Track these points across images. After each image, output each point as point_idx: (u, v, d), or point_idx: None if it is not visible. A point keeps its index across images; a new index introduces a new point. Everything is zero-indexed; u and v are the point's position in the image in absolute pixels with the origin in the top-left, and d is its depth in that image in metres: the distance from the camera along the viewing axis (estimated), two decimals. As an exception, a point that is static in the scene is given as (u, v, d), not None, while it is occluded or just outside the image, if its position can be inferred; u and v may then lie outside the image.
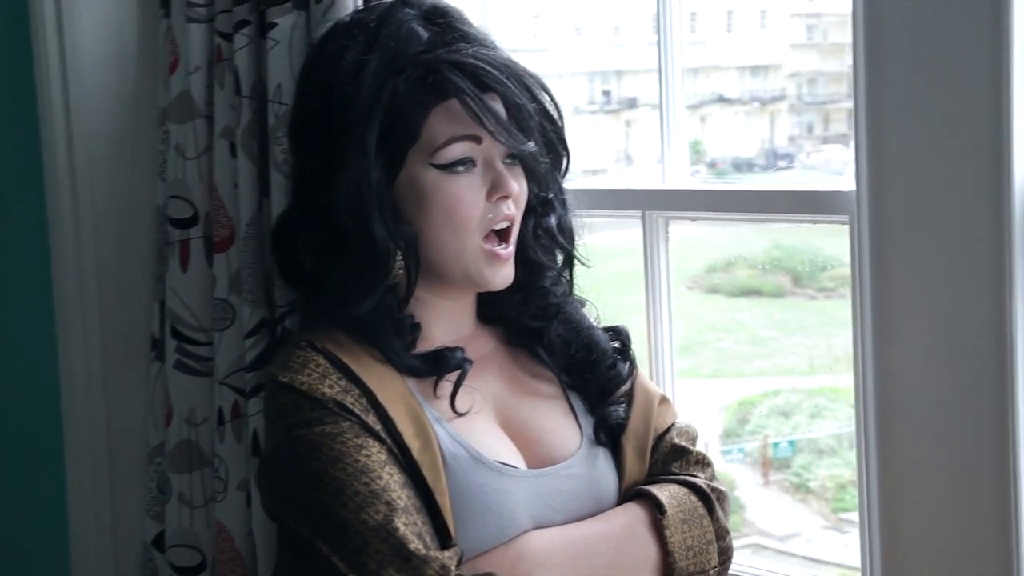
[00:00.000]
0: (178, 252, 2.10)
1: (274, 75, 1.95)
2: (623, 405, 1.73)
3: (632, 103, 5.24)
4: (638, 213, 1.98)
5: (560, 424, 1.70)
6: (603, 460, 1.70)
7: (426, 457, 1.56)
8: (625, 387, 1.74)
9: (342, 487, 1.52)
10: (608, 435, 1.72)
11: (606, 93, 5.26)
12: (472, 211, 1.62)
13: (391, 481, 1.53)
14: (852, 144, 1.67)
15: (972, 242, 1.60)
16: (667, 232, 1.98)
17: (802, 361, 6.15)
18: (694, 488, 1.68)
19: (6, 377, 2.45)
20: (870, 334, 1.70)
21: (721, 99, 5.57)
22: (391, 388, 1.60)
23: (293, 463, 1.57)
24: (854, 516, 1.80)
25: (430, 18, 1.67)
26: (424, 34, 1.64)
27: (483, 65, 1.61)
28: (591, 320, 1.78)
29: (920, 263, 1.65)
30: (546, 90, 1.71)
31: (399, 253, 1.62)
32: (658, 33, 1.98)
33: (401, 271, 1.63)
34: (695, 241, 2.98)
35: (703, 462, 1.74)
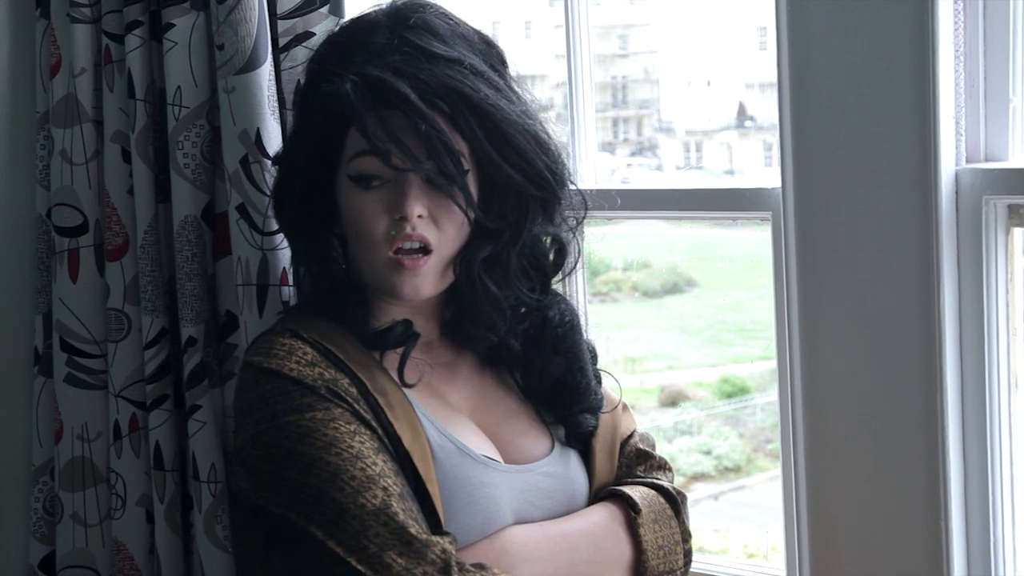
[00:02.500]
0: (67, 261, 2.02)
1: (173, 77, 1.90)
2: (591, 414, 1.75)
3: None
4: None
5: (531, 427, 1.72)
6: (574, 461, 1.72)
7: (416, 447, 1.56)
8: (592, 401, 1.76)
9: (338, 472, 1.50)
10: (578, 439, 1.74)
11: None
12: (375, 225, 1.59)
13: (385, 468, 1.52)
14: (777, 139, 1.72)
15: (899, 235, 1.67)
16: (582, 231, 1.99)
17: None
18: (661, 490, 1.72)
19: None
20: (796, 331, 1.75)
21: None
22: (380, 379, 1.60)
23: (283, 449, 1.53)
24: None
25: (398, 23, 1.62)
26: (377, 42, 1.60)
27: (393, 80, 1.56)
28: (589, 367, 1.76)
29: (846, 257, 1.71)
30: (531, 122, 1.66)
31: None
32: (569, 44, 2.01)
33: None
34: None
35: (665, 467, 1.78)
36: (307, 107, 1.67)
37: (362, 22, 1.66)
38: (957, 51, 1.65)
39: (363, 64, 1.59)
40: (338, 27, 1.75)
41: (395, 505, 1.49)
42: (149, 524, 2.02)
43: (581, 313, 1.98)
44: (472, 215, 1.60)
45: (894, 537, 1.72)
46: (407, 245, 1.59)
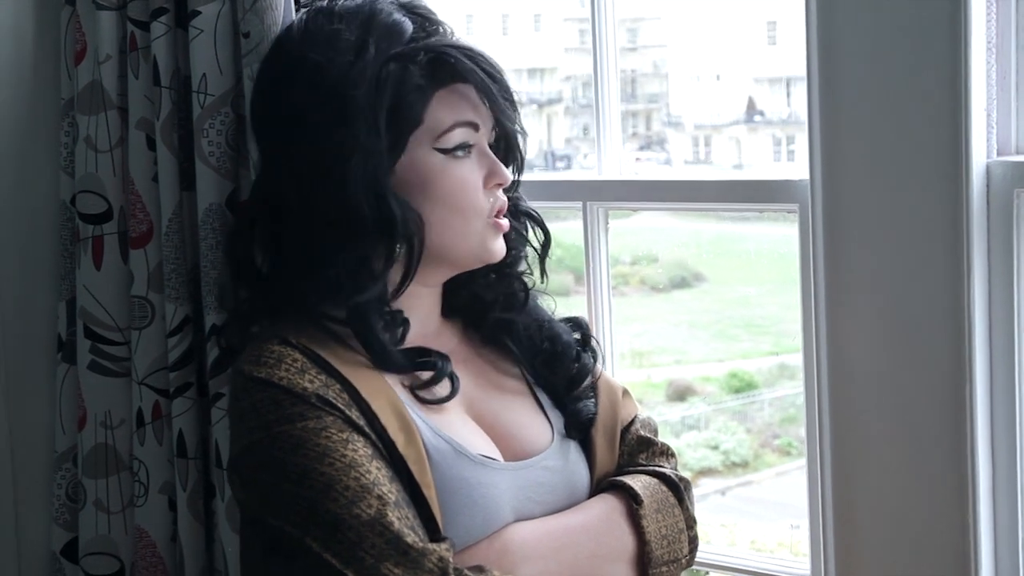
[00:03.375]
0: (91, 249, 2.02)
1: (198, 65, 1.90)
2: (592, 399, 1.74)
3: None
4: (579, 204, 2.00)
5: (530, 419, 1.71)
6: (575, 453, 1.71)
7: (411, 451, 1.54)
8: (591, 379, 1.75)
9: (331, 482, 1.49)
10: (577, 429, 1.73)
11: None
12: (476, 194, 1.64)
13: (380, 475, 1.50)
14: (807, 131, 1.72)
15: (929, 228, 1.66)
16: (607, 223, 2.00)
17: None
18: (664, 478, 1.71)
19: None
20: (824, 323, 1.75)
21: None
22: (372, 382, 1.58)
23: (276, 461, 1.52)
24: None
25: (409, 9, 1.68)
26: (410, 23, 1.65)
27: (477, 51, 1.65)
28: (549, 313, 1.79)
29: (874, 251, 1.70)
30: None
31: (403, 240, 1.60)
32: (594, 36, 2.01)
33: (399, 259, 1.61)
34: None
35: (667, 452, 1.76)
36: (375, 89, 1.58)
37: (374, 6, 1.65)
38: (989, 43, 1.65)
39: (432, 40, 1.63)
40: (321, 12, 1.67)
41: (391, 514, 1.48)
42: (172, 511, 2.02)
43: (605, 306, 2.00)
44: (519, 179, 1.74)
45: (921, 532, 1.72)
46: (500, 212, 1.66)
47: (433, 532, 1.52)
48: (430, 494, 1.53)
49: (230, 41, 1.90)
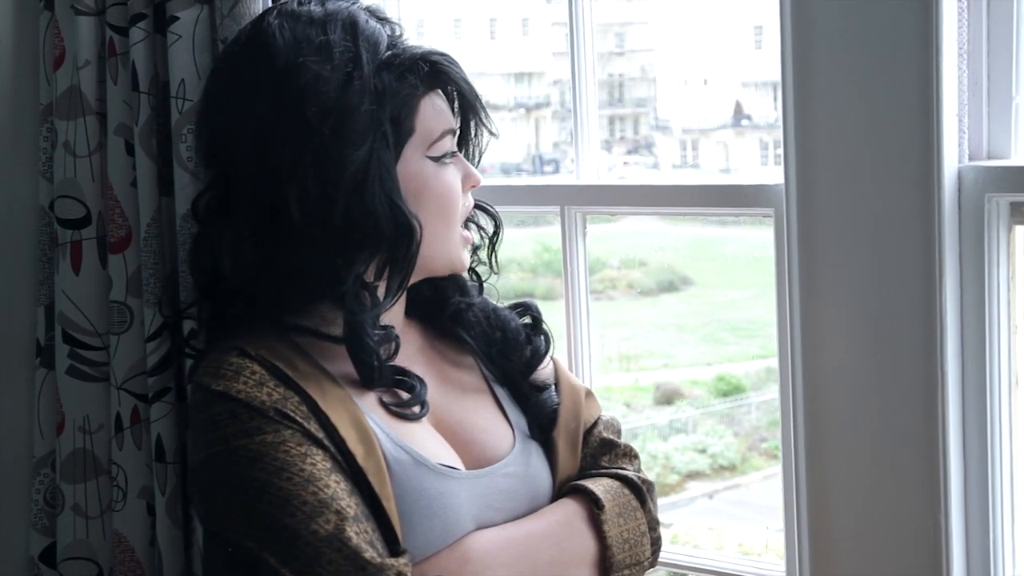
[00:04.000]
0: (69, 254, 2.02)
1: (176, 71, 1.90)
2: (551, 389, 1.74)
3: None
4: (556, 208, 2.00)
5: (492, 422, 1.70)
6: (536, 456, 1.70)
7: (370, 463, 1.53)
8: (546, 363, 1.76)
9: (289, 497, 1.48)
10: (540, 427, 1.72)
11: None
12: (459, 201, 1.67)
13: (338, 489, 1.49)
14: (781, 136, 1.73)
15: (901, 232, 1.67)
16: (585, 228, 2.01)
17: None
18: (626, 481, 1.71)
19: None
20: (798, 326, 1.75)
21: (487, 104, 5.67)
22: (331, 394, 1.56)
23: (234, 475, 1.51)
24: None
25: (374, 14, 1.68)
26: (384, 31, 1.65)
27: (450, 57, 1.67)
28: (495, 304, 1.80)
29: (848, 254, 1.71)
30: None
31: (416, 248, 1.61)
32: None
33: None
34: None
35: (631, 454, 1.76)
36: (378, 98, 1.58)
37: (352, 15, 1.63)
38: (961, 49, 1.65)
39: (414, 48, 1.65)
40: (300, 21, 1.62)
41: (348, 529, 1.47)
42: (150, 516, 2.02)
43: (583, 310, 2.00)
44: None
45: (894, 535, 1.73)
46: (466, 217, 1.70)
47: (392, 544, 1.51)
48: (389, 506, 1.52)
49: (208, 47, 1.91)
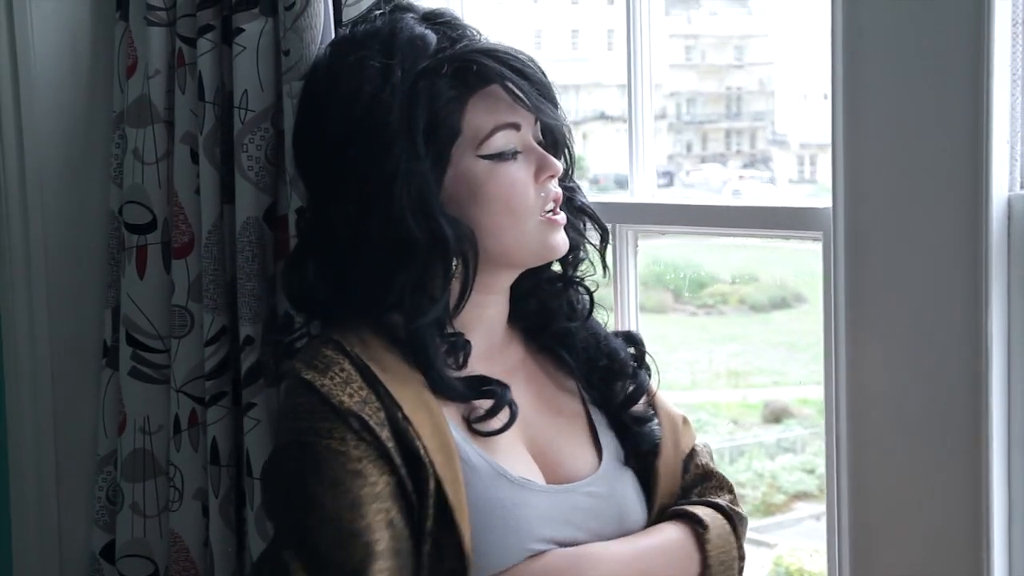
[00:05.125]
0: (135, 258, 2.07)
1: (240, 81, 1.93)
2: (655, 423, 1.73)
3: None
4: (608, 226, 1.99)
5: (580, 445, 1.70)
6: (628, 482, 1.70)
7: (448, 471, 1.54)
8: (646, 397, 1.75)
9: (328, 518, 1.50)
10: (637, 456, 1.72)
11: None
12: (527, 193, 1.64)
13: (375, 521, 1.50)
14: (830, 160, 1.70)
15: (949, 260, 1.63)
16: (636, 246, 2.00)
17: (684, 376, 6.21)
18: (720, 509, 1.71)
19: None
20: (843, 351, 1.73)
21: (603, 116, 5.62)
22: (417, 398, 1.58)
23: (295, 474, 1.55)
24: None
25: (431, 19, 1.69)
26: (433, 35, 1.65)
27: (503, 50, 1.65)
28: (605, 328, 1.79)
29: (895, 280, 1.68)
30: (539, 66, 1.72)
31: (459, 256, 1.60)
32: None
33: (456, 275, 1.62)
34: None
35: (726, 486, 1.77)
36: (409, 110, 1.59)
37: (396, 26, 1.65)
38: (1015, 75, 1.61)
39: (456, 48, 1.63)
40: (345, 40, 1.70)
41: (372, 566, 1.49)
42: (204, 517, 2.06)
43: (633, 320, 1.99)
44: (573, 172, 1.76)
45: (936, 562, 1.69)
46: (551, 206, 1.67)
47: (458, 558, 1.52)
48: (461, 517, 1.52)
49: (272, 58, 1.94)
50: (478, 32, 1.71)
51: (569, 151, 1.76)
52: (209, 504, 2.03)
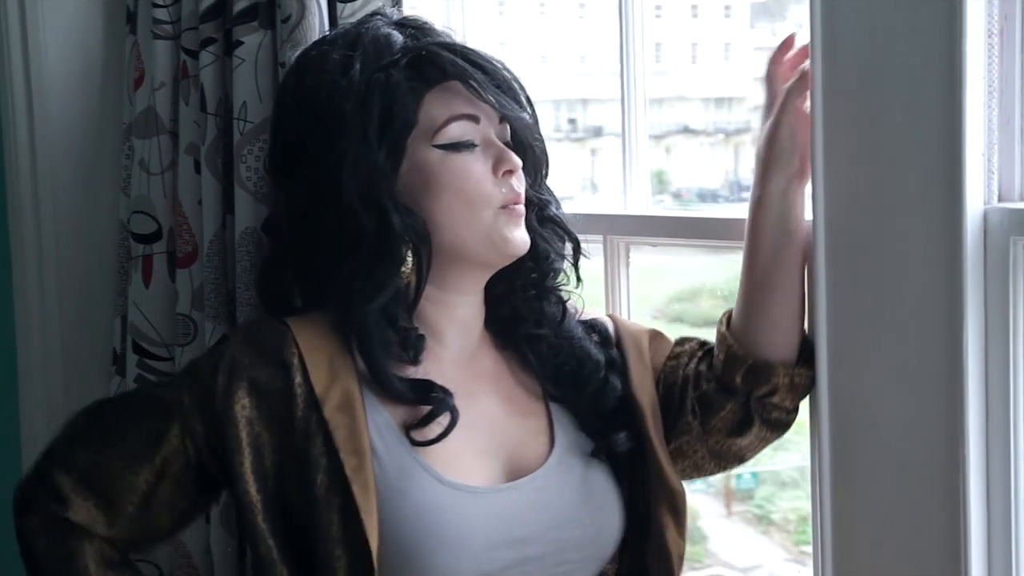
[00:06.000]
0: (141, 267, 2.11)
1: (240, 93, 1.96)
2: (622, 433, 1.70)
3: (598, 131, 5.25)
4: (599, 238, 2.00)
5: (540, 444, 1.69)
6: (582, 471, 1.68)
7: (358, 477, 1.55)
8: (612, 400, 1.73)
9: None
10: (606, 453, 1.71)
11: (572, 121, 5.27)
12: (483, 184, 1.62)
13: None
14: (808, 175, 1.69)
15: (924, 273, 1.61)
16: (628, 258, 1.99)
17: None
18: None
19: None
20: (825, 367, 1.71)
21: (686, 130, 5.58)
22: (346, 399, 1.58)
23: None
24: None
25: (403, 25, 1.70)
26: (401, 37, 1.66)
27: (465, 47, 1.66)
28: (581, 331, 1.76)
29: (875, 296, 1.67)
30: (519, 80, 1.72)
31: (410, 246, 1.60)
32: (622, 63, 2.00)
33: (410, 269, 1.62)
34: (660, 270, 3.00)
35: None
36: (363, 100, 1.61)
37: (363, 25, 1.69)
38: (990, 87, 1.59)
39: (420, 42, 1.65)
40: (315, 42, 1.74)
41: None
42: (206, 524, 2.08)
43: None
44: (547, 173, 1.74)
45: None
46: (512, 197, 1.64)
47: (365, 556, 1.53)
48: (370, 522, 1.53)
49: (270, 70, 1.96)
50: (451, 35, 1.72)
51: (538, 154, 1.72)
52: (209, 511, 2.05)
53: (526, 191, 1.67)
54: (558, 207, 1.75)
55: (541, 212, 1.72)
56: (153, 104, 2.09)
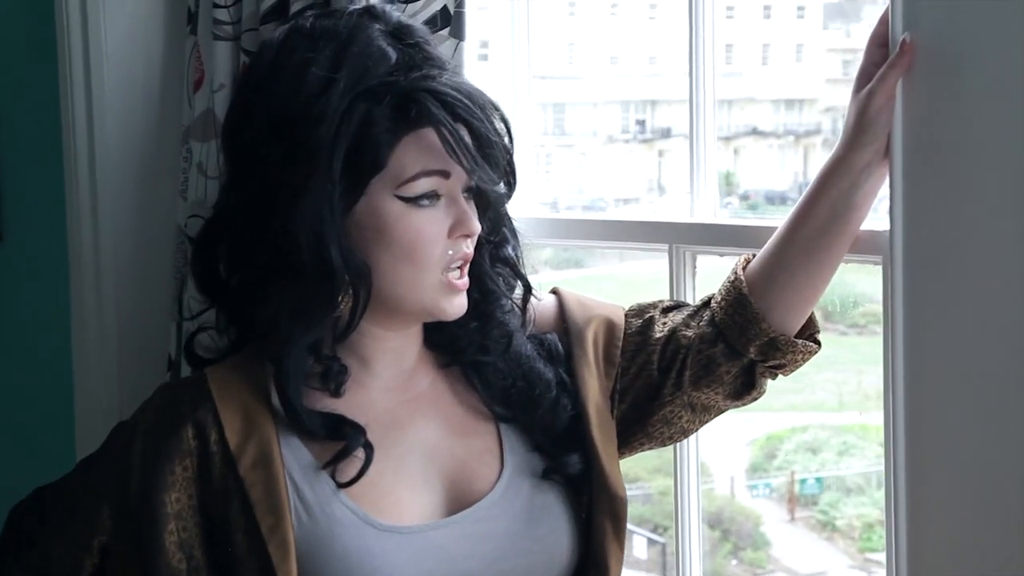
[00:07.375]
0: (197, 272, 2.08)
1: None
2: (576, 454, 1.64)
3: (666, 133, 5.19)
4: (665, 247, 1.94)
5: (488, 465, 1.62)
6: (530, 493, 1.61)
7: (274, 538, 1.50)
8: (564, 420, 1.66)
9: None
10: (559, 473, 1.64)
11: (640, 122, 5.22)
12: (434, 247, 1.54)
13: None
14: (888, 182, 1.63)
15: (1006, 284, 1.56)
16: (694, 266, 1.94)
17: (831, 397, 6.09)
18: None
19: (22, 394, 2.43)
20: (901, 374, 1.66)
21: (755, 132, 5.53)
22: (262, 448, 1.54)
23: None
24: (881, 557, 1.75)
25: (399, 36, 1.58)
26: (393, 54, 1.54)
27: (457, 94, 1.53)
28: (531, 350, 1.67)
29: (954, 304, 1.61)
30: (503, 117, 1.62)
31: (348, 288, 1.53)
32: (691, 64, 1.93)
33: (346, 305, 1.54)
34: (723, 274, 2.93)
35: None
36: (335, 131, 1.50)
37: (355, 35, 1.55)
38: (1080, 92, 1.53)
39: (408, 78, 1.53)
40: (300, 34, 1.57)
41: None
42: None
43: None
44: (515, 228, 1.68)
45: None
46: (458, 264, 1.56)
47: None
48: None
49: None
50: (444, 64, 1.60)
51: (501, 211, 1.65)
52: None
53: (479, 236, 1.59)
54: (516, 246, 1.67)
55: (496, 251, 1.65)
56: (212, 106, 2.06)
